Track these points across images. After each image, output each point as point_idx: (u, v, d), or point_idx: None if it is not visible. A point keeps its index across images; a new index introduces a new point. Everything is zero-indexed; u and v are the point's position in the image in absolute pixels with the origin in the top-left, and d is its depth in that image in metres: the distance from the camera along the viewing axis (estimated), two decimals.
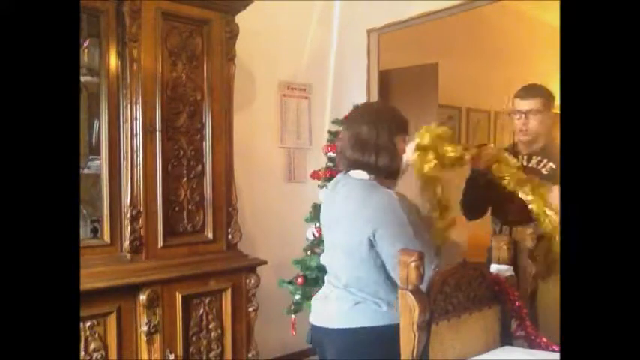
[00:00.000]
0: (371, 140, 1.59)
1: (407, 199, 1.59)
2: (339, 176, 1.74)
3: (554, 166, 2.11)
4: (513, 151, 2.20)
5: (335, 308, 1.65)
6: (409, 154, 1.66)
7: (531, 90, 2.16)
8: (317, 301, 1.76)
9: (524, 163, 2.16)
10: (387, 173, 1.63)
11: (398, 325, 1.42)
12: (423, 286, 1.41)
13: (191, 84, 2.39)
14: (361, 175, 1.64)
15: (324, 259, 1.76)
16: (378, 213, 1.54)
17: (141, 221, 2.24)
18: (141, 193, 2.24)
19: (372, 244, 1.55)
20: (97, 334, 2.11)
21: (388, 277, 1.58)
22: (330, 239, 1.73)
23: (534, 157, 2.18)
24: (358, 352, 1.58)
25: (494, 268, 1.92)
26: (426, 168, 1.68)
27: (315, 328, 1.73)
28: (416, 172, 1.71)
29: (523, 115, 2.13)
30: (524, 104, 2.13)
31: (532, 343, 1.83)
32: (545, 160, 2.15)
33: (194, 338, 2.39)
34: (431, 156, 1.70)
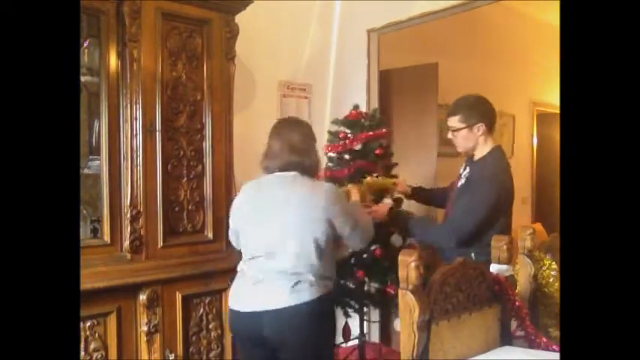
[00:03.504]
0: (304, 146, 1.95)
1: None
2: (267, 177, 1.99)
3: (468, 173, 2.28)
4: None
5: (277, 290, 1.85)
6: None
7: (453, 107, 2.28)
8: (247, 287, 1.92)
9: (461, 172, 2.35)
10: (313, 172, 1.99)
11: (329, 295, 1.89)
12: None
13: (191, 84, 2.39)
14: (292, 173, 1.94)
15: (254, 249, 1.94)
16: (331, 198, 1.89)
17: (141, 221, 2.24)
18: (141, 193, 2.23)
19: (330, 224, 1.87)
20: (97, 334, 2.11)
21: (325, 254, 1.88)
22: (262, 230, 1.93)
23: (468, 168, 2.31)
24: (302, 326, 1.83)
25: (494, 268, 1.92)
26: None
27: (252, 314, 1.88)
28: None
29: (450, 132, 2.30)
30: (449, 121, 2.28)
31: (532, 343, 1.84)
32: (469, 172, 2.28)
33: (194, 338, 2.39)
34: None
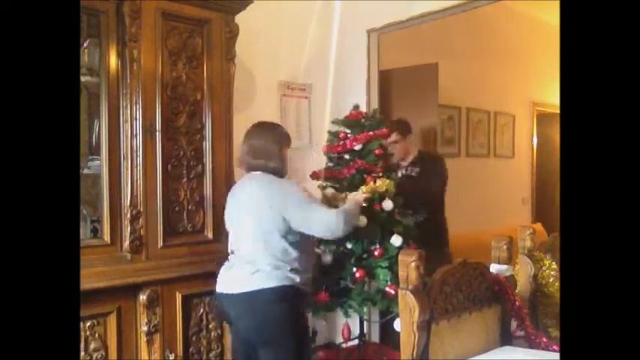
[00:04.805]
0: (266, 151, 2.14)
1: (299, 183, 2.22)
2: (244, 175, 2.22)
3: (418, 169, 3.19)
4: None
5: (238, 277, 2.07)
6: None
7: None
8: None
9: (404, 172, 3.20)
10: (277, 174, 2.16)
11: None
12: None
13: (191, 84, 2.39)
14: (257, 173, 2.15)
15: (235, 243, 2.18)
16: (279, 193, 2.06)
17: (141, 221, 2.24)
18: (141, 193, 2.23)
19: (280, 217, 2.02)
20: (97, 334, 2.11)
21: (291, 244, 2.06)
22: (234, 222, 2.19)
23: (409, 168, 3.19)
24: (255, 311, 2.01)
25: (494, 268, 1.92)
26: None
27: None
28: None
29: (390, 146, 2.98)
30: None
31: (532, 343, 1.84)
32: (415, 168, 3.19)
33: (194, 338, 2.39)
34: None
